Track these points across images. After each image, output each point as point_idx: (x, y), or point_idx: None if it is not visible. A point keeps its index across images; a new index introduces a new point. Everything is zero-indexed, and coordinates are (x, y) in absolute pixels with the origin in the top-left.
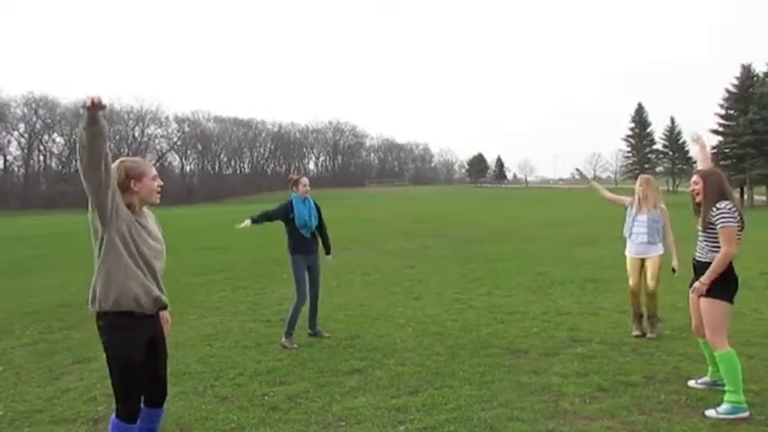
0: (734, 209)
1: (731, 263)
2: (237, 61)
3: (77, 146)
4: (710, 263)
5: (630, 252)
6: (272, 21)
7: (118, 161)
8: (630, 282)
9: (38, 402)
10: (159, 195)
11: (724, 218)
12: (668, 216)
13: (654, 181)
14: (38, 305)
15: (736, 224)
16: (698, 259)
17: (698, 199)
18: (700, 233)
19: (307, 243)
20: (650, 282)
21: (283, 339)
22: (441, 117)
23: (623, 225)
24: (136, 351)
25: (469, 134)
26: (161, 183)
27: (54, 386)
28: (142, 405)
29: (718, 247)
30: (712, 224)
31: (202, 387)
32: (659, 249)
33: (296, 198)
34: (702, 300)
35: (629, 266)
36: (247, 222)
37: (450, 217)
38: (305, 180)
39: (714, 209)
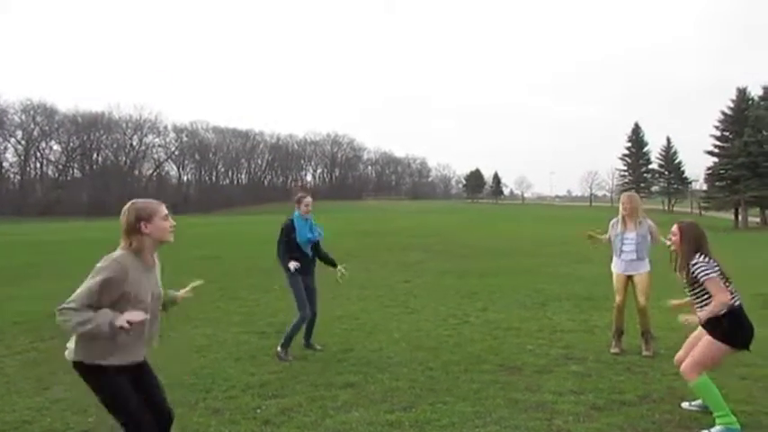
0: (710, 260)
1: (741, 311)
2: (237, 72)
3: (66, 327)
4: (715, 318)
5: (618, 269)
6: (272, 33)
7: (128, 204)
8: (617, 298)
9: (27, 413)
10: (173, 234)
11: (702, 270)
12: (655, 227)
13: (637, 197)
14: (30, 314)
15: (716, 273)
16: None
17: (672, 248)
18: (687, 292)
19: (305, 263)
20: (640, 298)
21: (279, 349)
22: (439, 132)
23: (611, 244)
24: (124, 383)
25: (467, 149)
26: (173, 223)
27: (44, 396)
28: None
29: (709, 302)
30: (696, 280)
31: (194, 399)
32: (647, 266)
33: (297, 217)
34: (706, 336)
35: (615, 283)
36: (294, 265)
37: (446, 232)
38: (308, 200)
39: (690, 266)
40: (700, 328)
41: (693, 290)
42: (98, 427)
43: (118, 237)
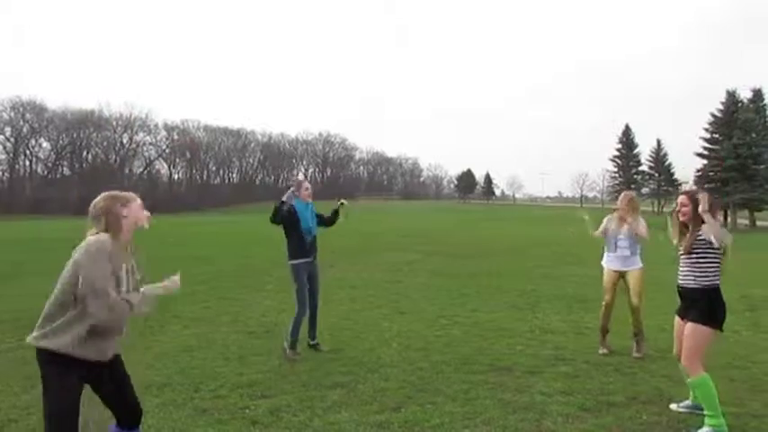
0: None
1: (720, 290)
2: (229, 70)
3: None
4: (697, 288)
5: (610, 264)
6: (265, 32)
7: (102, 194)
8: (606, 297)
9: (13, 411)
10: (148, 221)
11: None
12: (645, 226)
13: (636, 199)
14: (17, 312)
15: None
16: (683, 286)
17: (683, 219)
18: (682, 259)
19: (307, 247)
20: (634, 298)
21: (288, 351)
22: (431, 132)
23: (605, 240)
24: (72, 392)
25: (459, 150)
26: (148, 213)
27: (30, 395)
28: (118, 426)
29: (702, 272)
30: (697, 247)
31: (182, 399)
32: (639, 263)
33: (299, 203)
34: (688, 324)
35: (606, 280)
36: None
37: (437, 232)
38: (306, 184)
39: (698, 230)
40: (678, 319)
41: (691, 257)
42: (83, 426)
43: None
